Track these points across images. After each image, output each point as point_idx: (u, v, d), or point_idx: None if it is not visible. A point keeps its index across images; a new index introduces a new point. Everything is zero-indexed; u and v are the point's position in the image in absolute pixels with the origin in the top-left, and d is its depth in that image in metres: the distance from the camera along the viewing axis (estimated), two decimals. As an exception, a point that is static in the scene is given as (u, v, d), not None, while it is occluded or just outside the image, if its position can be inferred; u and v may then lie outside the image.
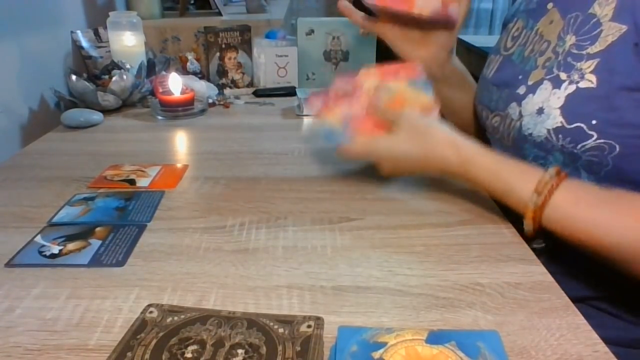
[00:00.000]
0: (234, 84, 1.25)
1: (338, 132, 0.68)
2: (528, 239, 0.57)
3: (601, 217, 0.51)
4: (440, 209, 0.65)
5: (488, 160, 0.59)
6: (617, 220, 0.50)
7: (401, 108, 0.67)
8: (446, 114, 0.82)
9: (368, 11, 0.80)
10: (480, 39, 2.91)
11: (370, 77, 0.70)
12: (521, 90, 0.64)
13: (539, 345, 0.42)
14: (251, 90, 1.22)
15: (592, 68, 0.56)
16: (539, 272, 0.52)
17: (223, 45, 1.23)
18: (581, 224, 0.51)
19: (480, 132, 0.78)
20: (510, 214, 0.61)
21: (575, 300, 0.48)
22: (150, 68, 1.15)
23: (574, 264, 0.59)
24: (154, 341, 0.41)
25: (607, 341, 0.42)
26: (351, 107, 0.69)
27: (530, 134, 0.61)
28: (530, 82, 0.63)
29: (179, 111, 1.03)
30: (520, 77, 0.65)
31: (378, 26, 0.80)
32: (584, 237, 0.51)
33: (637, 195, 0.51)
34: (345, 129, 0.68)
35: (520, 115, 0.63)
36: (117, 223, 0.61)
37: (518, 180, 0.56)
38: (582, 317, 0.45)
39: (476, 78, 0.81)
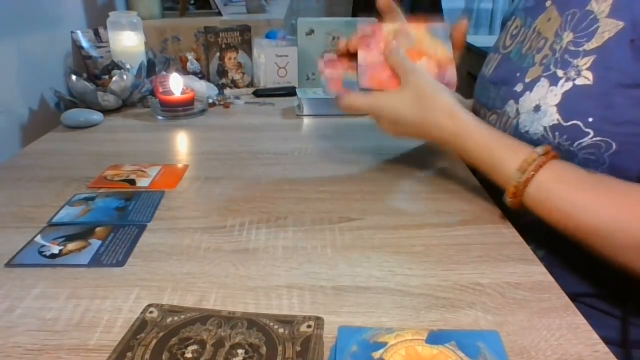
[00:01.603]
0: (234, 84, 1.25)
1: (351, 80, 0.68)
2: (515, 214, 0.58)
3: (582, 199, 0.51)
4: (440, 209, 0.65)
5: (482, 134, 0.59)
6: (598, 204, 0.51)
7: (418, 59, 0.66)
8: None
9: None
10: (480, 39, 2.90)
11: (392, 24, 0.69)
12: (518, 87, 0.64)
13: (539, 345, 0.42)
14: (251, 90, 1.22)
15: (588, 65, 0.56)
16: (539, 272, 0.52)
17: (223, 45, 1.23)
18: (561, 204, 0.52)
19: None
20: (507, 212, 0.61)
21: (572, 297, 0.48)
22: (150, 68, 1.15)
23: (573, 258, 0.59)
24: (154, 341, 0.41)
25: (607, 341, 0.42)
26: (368, 53, 0.68)
27: (527, 132, 0.61)
28: (527, 80, 0.63)
29: (179, 111, 1.03)
30: (517, 74, 0.65)
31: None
32: (562, 218, 0.52)
33: (621, 182, 0.52)
34: (359, 76, 0.67)
35: (517, 113, 0.63)
36: (117, 223, 0.61)
37: (507, 156, 0.56)
38: (582, 317, 0.45)
39: (475, 78, 0.81)
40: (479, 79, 0.78)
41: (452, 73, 0.67)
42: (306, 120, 1.02)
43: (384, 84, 0.66)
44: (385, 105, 0.64)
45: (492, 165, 0.58)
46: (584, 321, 0.45)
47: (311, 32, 1.21)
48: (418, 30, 0.69)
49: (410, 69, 0.64)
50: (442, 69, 0.67)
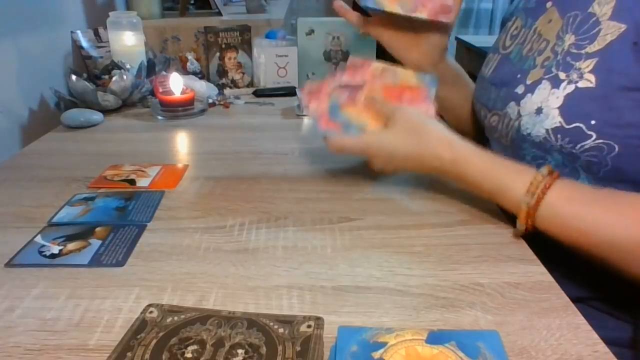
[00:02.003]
0: (234, 84, 1.25)
1: (336, 104, 0.69)
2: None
3: (593, 215, 0.51)
4: (440, 209, 0.65)
5: (481, 160, 0.59)
6: (610, 219, 0.50)
7: (401, 98, 0.68)
8: (442, 112, 0.82)
9: (363, 12, 0.80)
10: (480, 39, 2.91)
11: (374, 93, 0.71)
12: (520, 89, 0.63)
13: (539, 345, 0.42)
14: (251, 90, 1.22)
15: (590, 67, 0.56)
16: (539, 272, 0.52)
17: (223, 45, 1.23)
18: (574, 223, 0.52)
19: (479, 131, 0.78)
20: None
21: (575, 300, 0.48)
22: (150, 68, 1.15)
23: (572, 269, 0.59)
24: (154, 341, 0.41)
25: (607, 341, 0.42)
26: (351, 96, 0.70)
27: (529, 134, 0.61)
28: (529, 82, 0.63)
29: (179, 111, 1.03)
30: (518, 76, 0.65)
31: (371, 27, 0.80)
32: (576, 236, 0.52)
33: (629, 194, 0.51)
34: (334, 115, 0.68)
35: (519, 115, 0.62)
36: (117, 223, 0.61)
37: (511, 180, 0.56)
38: (582, 317, 0.45)
39: (476, 78, 0.81)
40: (479, 79, 0.77)
41: (433, 114, 0.69)
42: (306, 120, 1.02)
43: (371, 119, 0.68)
44: (378, 143, 0.64)
45: (496, 191, 0.57)
46: (584, 321, 0.45)
47: (311, 32, 1.21)
48: (405, 74, 0.71)
49: (395, 108, 0.65)
50: (424, 101, 0.69)
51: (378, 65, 0.72)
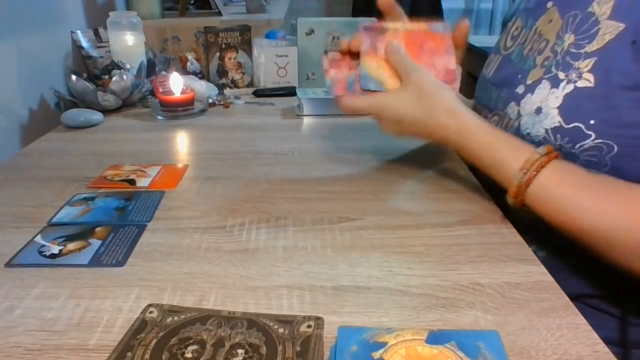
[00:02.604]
0: (234, 84, 1.25)
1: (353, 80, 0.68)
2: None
3: (583, 200, 0.51)
4: (440, 209, 0.65)
5: (485, 134, 0.59)
6: (599, 205, 0.51)
7: (424, 47, 0.66)
8: None
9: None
10: (480, 39, 2.91)
11: (397, 40, 0.68)
12: (520, 89, 0.64)
13: (539, 345, 0.42)
14: (251, 90, 1.22)
15: (589, 67, 0.56)
16: (539, 272, 0.52)
17: (223, 45, 1.23)
18: (563, 206, 0.52)
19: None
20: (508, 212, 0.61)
21: (573, 297, 0.48)
22: (150, 68, 1.15)
23: (574, 259, 0.59)
24: (154, 341, 0.41)
25: (607, 341, 0.42)
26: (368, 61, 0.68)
27: (529, 134, 0.61)
28: (529, 82, 0.63)
29: (179, 111, 1.03)
30: (519, 76, 0.65)
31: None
32: (564, 219, 0.52)
33: (624, 183, 0.52)
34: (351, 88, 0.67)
35: (519, 115, 0.63)
36: (117, 223, 0.61)
37: (509, 155, 0.56)
38: (582, 317, 0.45)
39: (476, 79, 0.81)
40: (480, 80, 0.77)
41: (457, 78, 0.67)
42: (306, 120, 1.02)
43: (386, 83, 0.66)
44: (387, 104, 0.64)
45: (494, 165, 0.58)
46: (584, 321, 0.45)
47: (311, 32, 1.21)
48: (420, 30, 0.69)
49: (412, 68, 0.64)
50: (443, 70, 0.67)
51: (391, 27, 0.69)
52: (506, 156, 0.56)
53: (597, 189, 0.52)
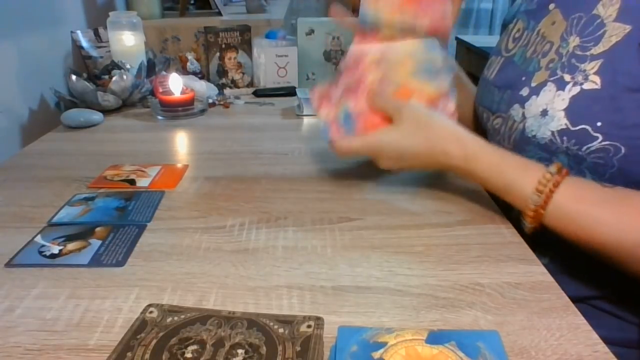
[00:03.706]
0: (234, 84, 1.25)
1: (348, 113, 0.67)
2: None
3: (603, 216, 0.51)
4: (440, 209, 0.65)
5: (491, 156, 0.59)
6: (620, 220, 0.50)
7: (406, 99, 0.66)
8: None
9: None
10: (480, 39, 2.91)
11: (372, 67, 0.68)
12: (524, 91, 0.63)
13: (539, 345, 0.42)
14: (251, 90, 1.22)
15: (595, 69, 0.56)
16: (539, 272, 0.52)
17: (223, 45, 1.23)
18: (582, 223, 0.51)
19: (479, 133, 0.78)
20: (510, 211, 0.61)
21: (576, 300, 0.48)
22: (150, 68, 1.15)
23: (576, 264, 0.59)
24: (154, 341, 0.41)
25: (607, 341, 0.42)
26: (354, 101, 0.68)
27: (534, 136, 0.61)
28: (533, 84, 0.62)
29: (179, 111, 1.03)
30: (523, 78, 0.65)
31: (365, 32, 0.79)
32: (585, 236, 0.51)
33: (636, 193, 0.51)
34: (347, 124, 0.67)
35: (524, 117, 0.62)
36: (117, 223, 0.61)
37: (519, 177, 0.55)
38: (582, 317, 0.45)
39: (476, 78, 0.81)
40: (481, 82, 0.77)
41: (445, 104, 0.67)
42: (306, 120, 1.02)
43: (380, 126, 0.65)
44: (386, 142, 0.63)
45: (505, 187, 0.57)
46: (584, 321, 0.45)
47: (311, 32, 1.21)
48: (403, 68, 0.68)
49: (401, 105, 0.64)
50: (434, 104, 0.66)
51: (373, 58, 0.68)
52: (517, 178, 0.56)
53: (616, 202, 0.52)
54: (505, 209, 0.63)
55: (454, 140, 0.60)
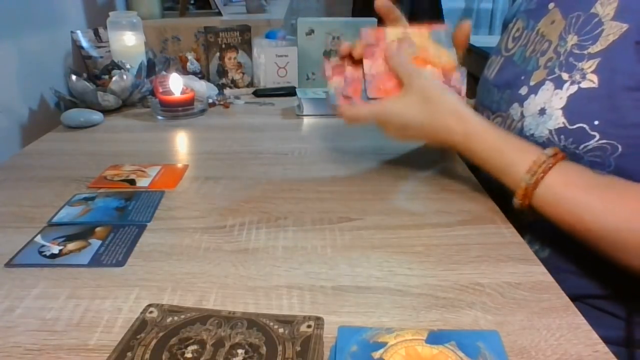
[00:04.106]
0: (234, 84, 1.25)
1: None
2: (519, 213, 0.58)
3: (590, 201, 0.51)
4: (440, 209, 0.65)
5: (491, 136, 0.59)
6: (607, 207, 0.51)
7: (422, 67, 0.66)
8: None
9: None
10: (480, 39, 2.91)
11: (395, 30, 0.68)
12: (523, 90, 0.63)
13: (539, 345, 0.42)
14: (251, 90, 1.22)
15: (593, 68, 0.56)
16: (539, 272, 0.52)
17: (223, 45, 1.23)
18: (570, 207, 0.52)
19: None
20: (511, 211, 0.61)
21: (575, 298, 0.48)
22: (150, 68, 1.15)
23: (577, 258, 0.59)
24: (154, 341, 0.41)
25: (607, 341, 0.42)
26: (373, 63, 0.67)
27: (532, 135, 0.61)
28: (532, 83, 0.63)
29: (179, 111, 1.03)
30: (522, 77, 0.65)
31: None
32: (571, 221, 0.52)
33: (630, 184, 0.52)
34: (366, 86, 0.67)
35: (522, 116, 0.62)
36: (117, 223, 0.61)
37: (516, 158, 0.56)
38: (582, 317, 0.45)
39: (476, 79, 0.81)
40: (482, 82, 0.77)
41: (457, 78, 0.67)
42: (306, 120, 1.02)
43: (392, 93, 0.66)
44: (392, 110, 0.64)
45: (501, 167, 0.58)
46: (584, 321, 0.45)
47: (311, 32, 1.21)
48: (420, 37, 0.68)
49: (414, 73, 0.64)
50: (447, 75, 0.67)
51: (392, 34, 0.68)
52: (513, 158, 0.56)
53: (606, 190, 0.52)
54: (506, 209, 0.63)
55: (457, 117, 0.61)
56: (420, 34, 0.69)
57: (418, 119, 0.62)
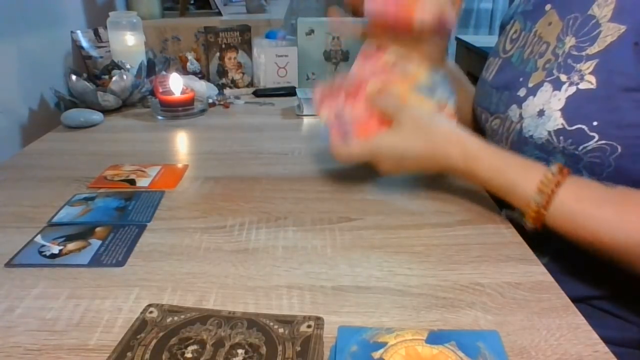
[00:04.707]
0: (234, 84, 1.25)
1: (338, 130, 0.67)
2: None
3: (605, 215, 0.51)
4: (440, 209, 0.65)
5: (491, 157, 0.59)
6: (622, 220, 0.50)
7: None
8: None
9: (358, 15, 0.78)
10: (480, 39, 2.91)
11: (374, 77, 0.69)
12: (521, 92, 0.63)
13: (539, 345, 0.42)
14: (251, 90, 1.22)
15: (591, 69, 0.56)
16: (539, 272, 0.52)
17: (223, 45, 1.23)
18: (585, 223, 0.51)
19: (478, 135, 0.78)
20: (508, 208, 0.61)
21: (576, 300, 0.48)
22: (150, 68, 1.15)
23: (575, 263, 0.59)
24: (154, 341, 0.41)
25: (607, 341, 0.42)
26: (352, 107, 0.68)
27: (531, 136, 0.61)
28: (530, 85, 0.63)
29: (179, 111, 1.03)
30: (520, 79, 0.65)
31: (370, 30, 0.79)
32: (587, 236, 0.51)
33: (637, 192, 0.51)
34: (346, 130, 0.67)
35: (521, 118, 0.62)
36: (117, 223, 0.61)
37: (521, 177, 0.55)
38: (582, 317, 0.45)
39: (476, 79, 0.81)
40: (480, 84, 0.77)
41: (444, 109, 0.68)
42: (306, 120, 1.02)
43: (377, 131, 0.66)
44: (385, 145, 0.63)
45: (505, 187, 0.57)
46: (584, 321, 0.45)
47: (311, 32, 1.21)
48: (401, 87, 0.68)
49: (401, 107, 0.64)
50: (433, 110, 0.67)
51: (391, 56, 0.69)
52: (518, 178, 0.56)
53: (618, 202, 0.52)
54: (505, 209, 0.63)
55: (454, 141, 0.60)
56: (402, 85, 0.69)
57: (414, 149, 0.62)
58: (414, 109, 0.64)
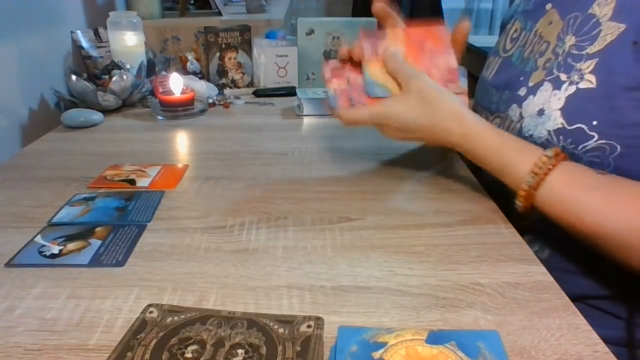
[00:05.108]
0: (234, 84, 1.25)
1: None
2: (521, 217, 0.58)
3: (592, 202, 0.51)
4: (440, 209, 0.65)
5: (490, 137, 0.59)
6: (610, 207, 0.51)
7: (424, 49, 0.66)
8: None
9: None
10: (480, 39, 2.91)
11: (396, 44, 0.68)
12: (522, 91, 0.64)
13: (539, 345, 0.42)
14: (251, 90, 1.22)
15: (591, 68, 0.56)
16: (539, 272, 0.52)
17: (223, 45, 1.23)
18: (571, 207, 0.52)
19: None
20: (510, 211, 0.61)
21: (576, 298, 0.48)
22: (150, 68, 1.15)
23: (576, 262, 0.59)
24: (154, 341, 0.41)
25: (607, 341, 0.42)
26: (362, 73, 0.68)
27: (531, 136, 0.61)
28: (530, 84, 0.63)
29: (179, 111, 1.03)
30: (521, 78, 0.65)
31: None
32: (574, 221, 0.52)
33: (632, 183, 0.52)
34: (353, 96, 0.67)
35: (521, 117, 0.63)
36: (117, 223, 0.61)
37: (516, 158, 0.56)
38: (582, 317, 0.45)
39: (476, 78, 0.81)
40: (480, 83, 0.77)
41: (459, 82, 0.67)
42: (306, 120, 1.02)
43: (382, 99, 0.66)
44: (391, 113, 0.64)
45: (502, 168, 0.58)
46: (584, 321, 0.45)
47: (311, 32, 1.21)
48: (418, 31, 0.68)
49: (411, 75, 0.64)
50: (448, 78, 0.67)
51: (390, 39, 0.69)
52: (514, 159, 0.57)
53: (607, 189, 0.52)
54: (506, 209, 0.63)
55: (455, 118, 0.61)
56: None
57: (417, 120, 0.62)
58: (425, 80, 0.64)
